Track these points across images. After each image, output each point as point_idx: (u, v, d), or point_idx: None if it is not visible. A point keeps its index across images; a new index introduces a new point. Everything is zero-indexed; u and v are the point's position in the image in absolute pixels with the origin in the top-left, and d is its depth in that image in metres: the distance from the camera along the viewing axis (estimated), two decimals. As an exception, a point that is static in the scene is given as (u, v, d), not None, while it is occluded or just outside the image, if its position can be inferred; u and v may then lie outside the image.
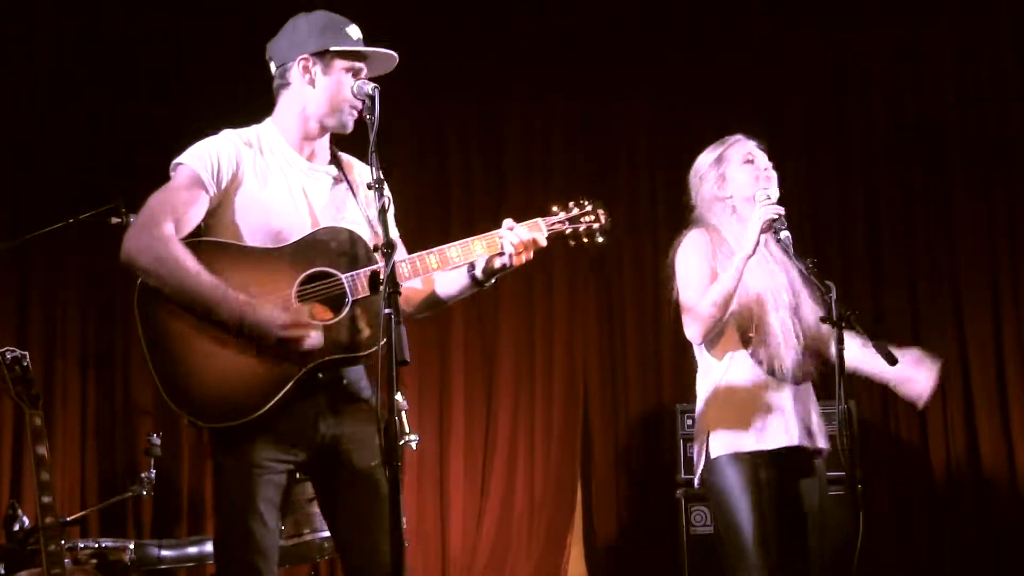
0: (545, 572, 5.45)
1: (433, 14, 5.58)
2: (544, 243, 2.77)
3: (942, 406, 5.51)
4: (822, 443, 3.35)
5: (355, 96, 2.78)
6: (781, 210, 3.28)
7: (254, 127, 2.89)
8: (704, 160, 3.52)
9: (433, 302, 2.93)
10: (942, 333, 5.57)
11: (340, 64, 2.83)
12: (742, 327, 3.34)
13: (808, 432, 3.31)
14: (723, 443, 3.32)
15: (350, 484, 2.76)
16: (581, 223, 2.82)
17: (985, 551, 5.34)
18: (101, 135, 5.29)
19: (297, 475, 2.87)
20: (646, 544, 5.49)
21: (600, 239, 2.84)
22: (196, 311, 2.64)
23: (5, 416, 4.94)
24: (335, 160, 2.94)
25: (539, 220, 2.79)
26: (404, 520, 2.78)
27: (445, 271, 2.79)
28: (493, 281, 2.82)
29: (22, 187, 5.16)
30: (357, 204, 2.84)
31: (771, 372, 3.31)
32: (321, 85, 2.84)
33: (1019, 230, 5.58)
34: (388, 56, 2.87)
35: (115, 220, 4.10)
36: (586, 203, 2.84)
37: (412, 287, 2.91)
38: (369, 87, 2.72)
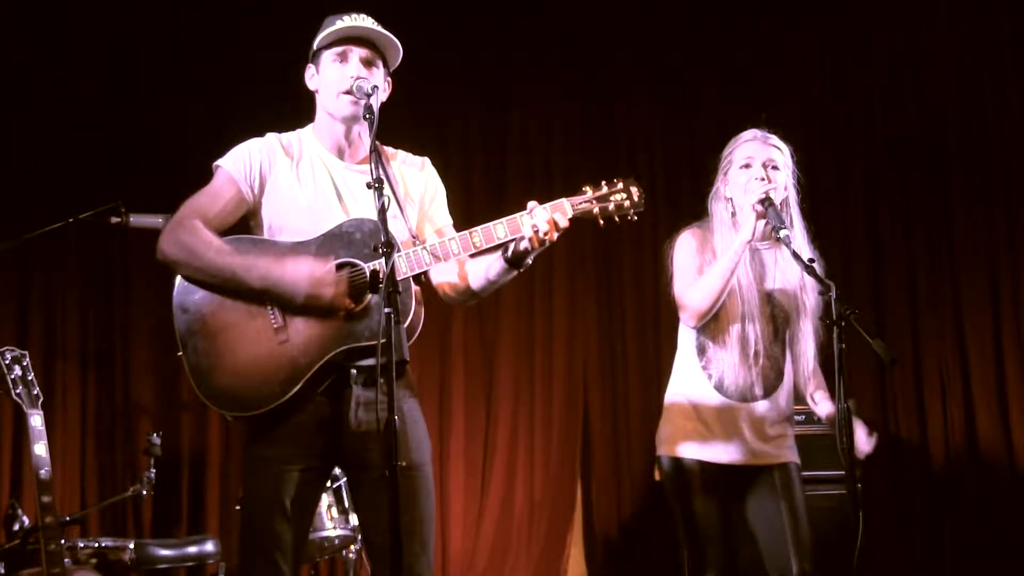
0: (545, 572, 5.45)
1: (433, 14, 5.58)
2: (566, 224, 2.73)
3: (942, 406, 5.52)
4: (779, 459, 3.30)
5: (354, 95, 2.78)
6: (768, 187, 3.28)
7: (297, 131, 2.94)
8: (722, 156, 3.51)
9: (476, 289, 2.92)
10: (942, 333, 5.57)
11: (326, 57, 2.86)
12: (698, 339, 3.37)
13: (752, 450, 3.29)
14: (666, 442, 3.36)
15: (378, 483, 2.74)
16: (610, 201, 2.80)
17: (985, 550, 5.34)
18: (101, 135, 5.28)
19: (335, 476, 2.88)
20: (646, 544, 5.49)
21: (633, 216, 2.82)
22: (228, 287, 2.71)
23: (5, 416, 4.94)
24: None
25: (564, 200, 2.76)
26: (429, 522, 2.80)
27: (472, 256, 2.79)
28: (528, 262, 2.80)
29: (22, 187, 5.16)
30: (395, 197, 2.80)
31: (719, 388, 3.32)
32: (321, 85, 2.88)
33: (1019, 230, 5.59)
34: (372, 31, 2.84)
35: (115, 220, 4.10)
36: (617, 181, 2.83)
37: (452, 278, 2.92)
38: (368, 86, 2.73)
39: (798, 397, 3.41)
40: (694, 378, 3.37)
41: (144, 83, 5.39)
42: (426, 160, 3.03)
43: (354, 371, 2.74)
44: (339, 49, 2.84)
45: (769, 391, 3.32)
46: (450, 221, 3.01)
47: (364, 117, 2.71)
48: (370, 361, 2.74)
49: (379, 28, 2.86)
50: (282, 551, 2.72)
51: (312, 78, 2.92)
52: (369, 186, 2.59)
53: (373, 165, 2.60)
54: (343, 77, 2.82)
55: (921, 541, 5.44)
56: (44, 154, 5.20)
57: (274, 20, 5.25)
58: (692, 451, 3.32)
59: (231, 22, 5.42)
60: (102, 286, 5.24)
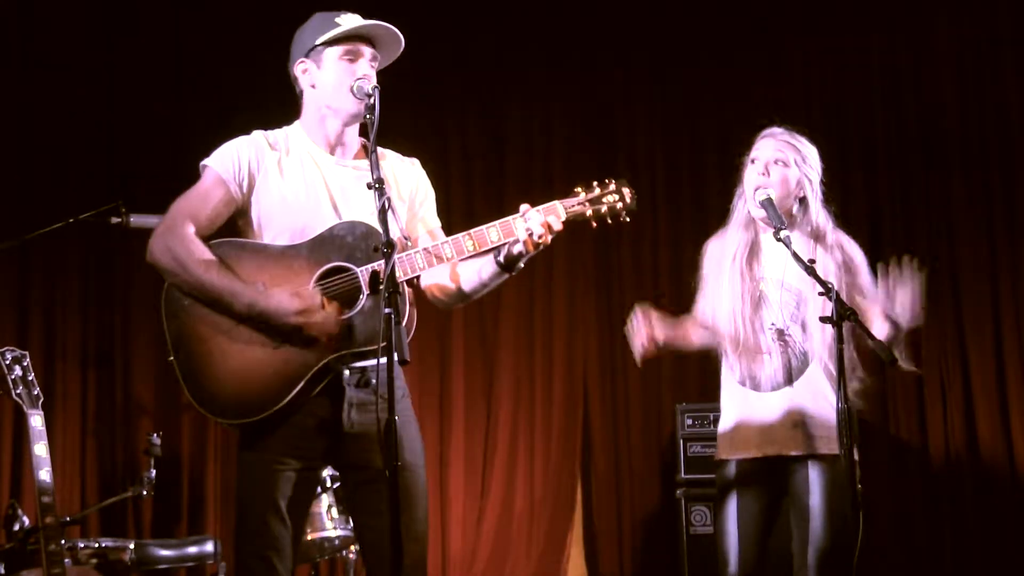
0: (545, 572, 5.45)
1: (433, 14, 5.58)
2: (559, 227, 2.72)
3: (942, 406, 5.52)
4: (811, 449, 3.28)
5: (355, 95, 2.78)
6: (764, 195, 3.29)
7: (284, 128, 2.93)
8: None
9: (467, 292, 2.91)
10: (942, 333, 5.57)
11: (332, 54, 2.84)
12: (721, 337, 3.40)
13: (783, 440, 3.29)
14: (719, 445, 3.44)
15: (372, 483, 2.75)
16: (603, 203, 2.78)
17: (986, 551, 5.34)
18: (102, 135, 5.28)
19: (328, 478, 2.89)
20: (646, 544, 5.49)
21: (625, 217, 2.81)
22: (215, 306, 2.71)
23: (5, 416, 4.93)
24: (366, 153, 2.93)
25: (557, 203, 2.75)
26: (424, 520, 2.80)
27: (465, 259, 2.79)
28: (521, 266, 2.79)
29: (22, 187, 5.16)
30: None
31: (743, 382, 3.36)
32: (321, 81, 2.86)
33: (1019, 230, 5.59)
34: (385, 30, 2.85)
35: (115, 220, 4.11)
36: (609, 182, 2.81)
37: (442, 281, 2.92)
38: (369, 86, 2.73)
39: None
40: (726, 377, 3.43)
41: (144, 83, 5.38)
42: (416, 161, 3.03)
43: (347, 372, 2.75)
44: (349, 47, 2.83)
45: (794, 376, 3.32)
46: (439, 223, 3.01)
47: (365, 117, 2.71)
48: (363, 363, 2.76)
49: (391, 27, 2.85)
50: (278, 551, 2.73)
51: (306, 73, 2.88)
52: (369, 186, 2.59)
53: (373, 165, 2.60)
54: (353, 76, 2.81)
55: (921, 541, 5.44)
56: (44, 154, 5.19)
57: (276, 20, 5.24)
58: (727, 451, 3.38)
59: (232, 22, 5.42)
60: (102, 286, 5.23)
